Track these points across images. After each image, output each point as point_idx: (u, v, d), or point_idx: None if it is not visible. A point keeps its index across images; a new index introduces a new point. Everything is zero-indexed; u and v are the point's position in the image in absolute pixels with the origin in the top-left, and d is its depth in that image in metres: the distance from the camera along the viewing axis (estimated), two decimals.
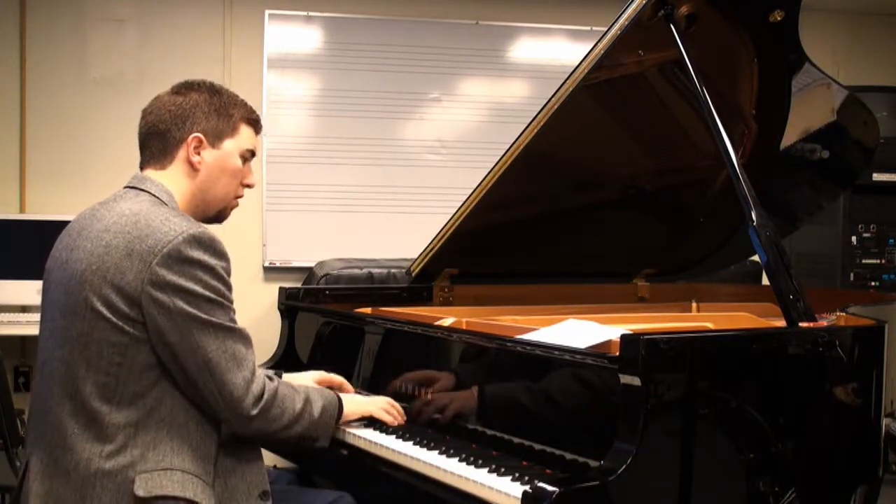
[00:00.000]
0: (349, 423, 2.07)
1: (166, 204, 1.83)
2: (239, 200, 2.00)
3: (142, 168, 1.92)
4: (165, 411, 1.73)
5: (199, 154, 1.89)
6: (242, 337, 1.78)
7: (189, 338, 1.71)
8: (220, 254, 1.77)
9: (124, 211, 1.77)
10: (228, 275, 1.79)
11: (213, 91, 1.94)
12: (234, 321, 1.77)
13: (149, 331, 1.70)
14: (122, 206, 1.80)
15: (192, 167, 1.89)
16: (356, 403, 2.08)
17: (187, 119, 1.89)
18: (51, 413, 1.74)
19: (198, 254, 1.72)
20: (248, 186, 1.99)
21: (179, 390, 1.75)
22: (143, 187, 1.86)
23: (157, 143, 1.90)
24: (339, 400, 2.00)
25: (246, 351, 1.78)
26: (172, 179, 1.89)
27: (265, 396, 1.78)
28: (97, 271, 1.71)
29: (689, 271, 3.21)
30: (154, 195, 1.84)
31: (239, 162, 1.95)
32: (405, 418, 2.11)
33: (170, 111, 1.89)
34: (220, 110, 1.92)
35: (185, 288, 1.70)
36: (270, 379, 1.84)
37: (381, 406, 2.09)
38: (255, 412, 1.76)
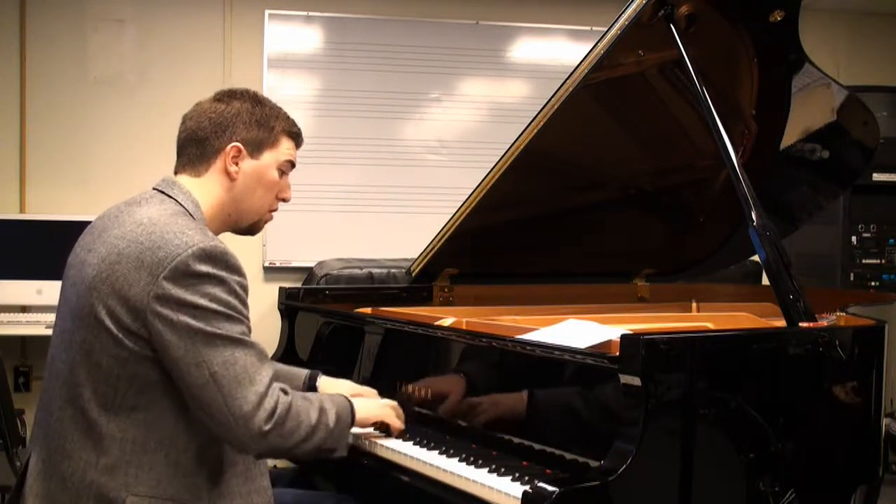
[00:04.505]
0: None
1: (190, 215, 1.77)
2: (273, 214, 1.95)
3: (176, 173, 1.87)
4: (166, 432, 1.68)
5: (236, 164, 1.84)
6: (255, 350, 1.69)
7: (193, 351, 1.63)
8: (233, 267, 1.70)
9: (143, 219, 1.71)
10: (243, 289, 1.71)
11: (255, 101, 1.89)
12: (245, 334, 1.68)
13: (155, 347, 1.65)
14: (143, 211, 1.74)
15: (229, 177, 1.84)
16: (367, 409, 1.99)
17: (227, 128, 1.83)
18: (54, 416, 1.72)
19: (206, 268, 1.65)
20: (284, 200, 1.95)
21: (182, 412, 1.68)
22: (170, 193, 1.80)
23: (194, 149, 1.84)
24: (351, 405, 1.91)
25: (260, 365, 1.68)
26: (205, 188, 1.83)
27: (279, 411, 1.68)
28: (106, 280, 1.66)
29: (688, 271, 3.20)
30: (180, 203, 1.78)
31: (276, 174, 1.90)
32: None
33: (210, 118, 1.84)
34: (262, 121, 1.87)
35: (190, 302, 1.64)
36: (285, 392, 1.74)
37: (391, 413, 2.03)
38: (268, 427, 1.66)
